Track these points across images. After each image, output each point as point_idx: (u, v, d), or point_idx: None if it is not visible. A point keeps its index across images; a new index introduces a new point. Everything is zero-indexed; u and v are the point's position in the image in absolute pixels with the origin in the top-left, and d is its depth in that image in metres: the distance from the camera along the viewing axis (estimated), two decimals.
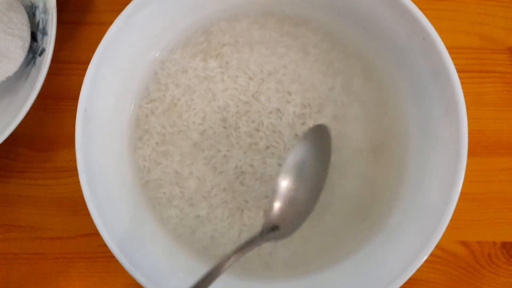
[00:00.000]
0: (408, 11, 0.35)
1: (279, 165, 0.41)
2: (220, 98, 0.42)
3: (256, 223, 0.41)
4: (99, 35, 0.35)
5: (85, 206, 0.34)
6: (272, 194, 0.36)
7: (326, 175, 0.39)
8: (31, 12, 0.44)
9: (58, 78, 0.46)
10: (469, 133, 0.35)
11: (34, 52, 0.43)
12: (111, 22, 0.35)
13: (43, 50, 0.41)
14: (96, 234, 0.34)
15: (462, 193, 0.35)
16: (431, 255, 0.35)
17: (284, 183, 0.36)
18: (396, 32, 0.38)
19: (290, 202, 0.36)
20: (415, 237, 0.37)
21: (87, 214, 0.34)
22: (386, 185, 0.42)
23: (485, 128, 0.48)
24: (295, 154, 0.36)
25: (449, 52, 0.36)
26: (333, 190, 0.43)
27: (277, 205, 0.35)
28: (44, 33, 0.42)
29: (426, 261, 0.35)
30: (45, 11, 0.41)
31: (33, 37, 0.43)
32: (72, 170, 0.44)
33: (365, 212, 0.42)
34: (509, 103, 0.48)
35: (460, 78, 0.36)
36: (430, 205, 0.37)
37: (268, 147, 0.42)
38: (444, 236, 0.35)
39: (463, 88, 0.35)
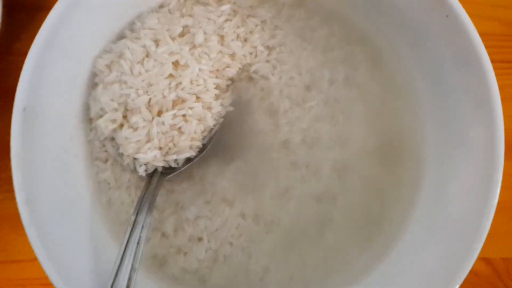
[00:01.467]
0: None
1: None
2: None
3: None
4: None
5: None
6: None
7: None
8: None
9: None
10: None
11: None
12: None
13: None
14: None
15: None
16: None
17: None
18: (411, 8, 0.31)
19: None
20: (437, 261, 0.31)
21: None
22: (398, 195, 0.36)
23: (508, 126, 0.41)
24: None
25: None
26: (334, 201, 0.36)
27: None
28: None
29: None
30: None
31: None
32: None
33: (374, 228, 0.36)
34: None
35: None
36: (456, 221, 0.31)
37: None
38: None
39: None
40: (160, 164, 0.33)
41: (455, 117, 0.32)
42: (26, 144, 0.28)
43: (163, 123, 0.32)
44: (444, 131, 0.33)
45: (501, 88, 0.43)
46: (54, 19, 0.28)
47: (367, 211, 0.36)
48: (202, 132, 0.34)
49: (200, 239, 0.35)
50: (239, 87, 0.36)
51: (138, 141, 0.32)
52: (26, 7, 0.40)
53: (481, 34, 0.43)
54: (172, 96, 0.32)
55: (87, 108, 0.34)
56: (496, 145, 0.28)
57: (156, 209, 0.34)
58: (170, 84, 0.32)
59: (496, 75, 0.43)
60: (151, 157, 0.32)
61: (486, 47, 0.43)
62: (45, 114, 0.29)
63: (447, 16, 0.29)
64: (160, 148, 0.33)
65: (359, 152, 0.37)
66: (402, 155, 0.36)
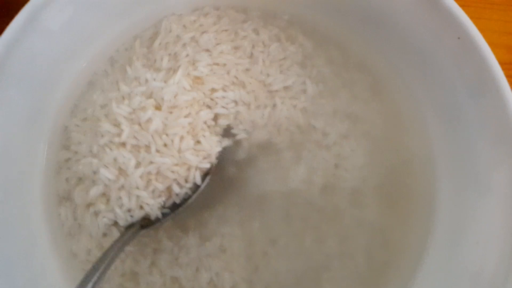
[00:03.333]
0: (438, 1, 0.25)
1: None
2: None
3: None
4: None
5: None
6: None
7: None
8: None
9: None
10: None
11: None
12: None
13: None
14: None
15: None
16: None
17: None
18: (417, 28, 0.27)
19: None
20: None
21: None
22: (406, 241, 0.31)
23: None
24: None
25: None
26: (329, 247, 0.32)
27: None
28: None
29: None
30: None
31: None
32: None
33: (378, 277, 0.32)
34: None
35: None
36: (473, 273, 0.26)
37: None
38: None
39: None
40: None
41: (470, 154, 0.27)
42: None
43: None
44: (458, 170, 0.29)
45: None
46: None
47: (370, 258, 0.32)
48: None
49: None
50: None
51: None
52: None
53: None
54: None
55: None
56: None
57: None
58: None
59: None
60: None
61: None
62: None
63: (458, 38, 0.25)
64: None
65: (359, 193, 0.32)
66: (410, 196, 0.32)
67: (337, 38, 0.33)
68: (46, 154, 0.31)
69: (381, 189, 0.32)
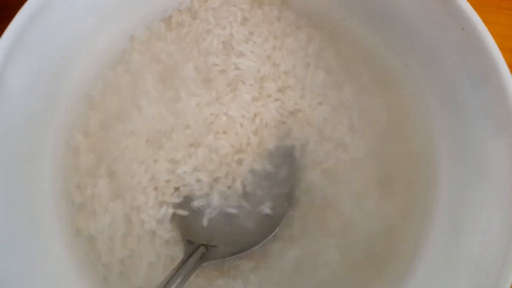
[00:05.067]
0: None
1: None
2: None
3: None
4: None
5: None
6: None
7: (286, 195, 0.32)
8: None
9: None
10: None
11: None
12: None
13: None
14: None
15: None
16: None
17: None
18: (422, 20, 0.28)
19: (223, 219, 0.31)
20: None
21: None
22: (406, 231, 0.31)
23: None
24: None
25: None
26: (330, 236, 0.32)
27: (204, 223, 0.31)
28: None
29: None
30: None
31: None
32: None
33: (377, 267, 0.31)
34: None
35: None
36: (473, 262, 0.26)
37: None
38: None
39: None
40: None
41: (472, 144, 0.28)
42: None
43: None
44: (460, 160, 0.29)
45: None
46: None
47: (369, 246, 0.32)
48: None
49: None
50: None
51: None
52: None
53: None
54: None
55: None
56: None
57: None
58: None
59: None
60: None
61: None
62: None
63: (463, 29, 0.26)
64: None
65: (362, 183, 0.33)
66: (411, 186, 0.32)
67: (345, 31, 0.33)
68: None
69: (383, 179, 0.33)
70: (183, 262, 0.28)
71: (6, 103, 0.26)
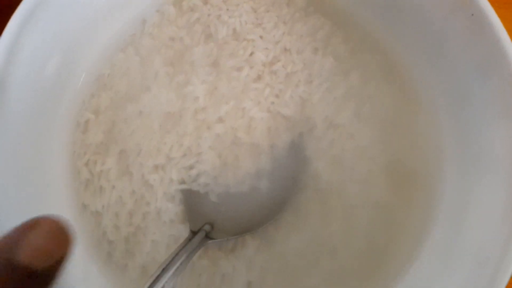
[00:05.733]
0: None
1: None
2: None
3: None
4: None
5: None
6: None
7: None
8: None
9: None
10: None
11: None
12: None
13: None
14: None
15: None
16: None
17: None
18: (430, 6, 0.28)
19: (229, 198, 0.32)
20: None
21: None
22: (409, 220, 0.31)
23: None
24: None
25: None
26: (334, 223, 0.32)
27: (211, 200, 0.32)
28: None
29: None
30: None
31: None
32: None
33: (378, 257, 0.31)
34: None
35: None
36: (475, 253, 0.26)
37: None
38: None
39: None
40: None
41: (479, 134, 0.28)
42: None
43: None
44: (465, 151, 0.29)
45: None
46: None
47: (372, 237, 0.32)
48: None
49: None
50: None
51: None
52: None
53: None
54: None
55: None
56: None
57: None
58: None
59: None
60: None
61: None
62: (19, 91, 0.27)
63: (472, 15, 0.26)
64: None
65: (367, 171, 0.33)
66: (415, 176, 0.32)
67: (353, 18, 0.33)
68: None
69: (387, 169, 0.32)
70: (189, 239, 0.29)
71: (17, 80, 0.27)
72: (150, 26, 0.35)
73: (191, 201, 0.32)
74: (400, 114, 0.33)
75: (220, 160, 0.32)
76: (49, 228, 0.17)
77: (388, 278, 0.30)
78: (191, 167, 0.32)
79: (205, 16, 0.35)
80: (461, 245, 0.27)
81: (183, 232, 0.31)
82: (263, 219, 0.31)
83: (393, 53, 0.33)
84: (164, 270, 0.26)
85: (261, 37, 0.34)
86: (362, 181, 0.32)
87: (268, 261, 0.31)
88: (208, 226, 0.30)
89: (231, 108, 0.33)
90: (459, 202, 0.28)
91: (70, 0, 0.29)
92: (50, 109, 0.31)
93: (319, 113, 0.33)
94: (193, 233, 0.30)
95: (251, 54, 0.34)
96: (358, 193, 0.32)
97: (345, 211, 0.32)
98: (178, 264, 0.27)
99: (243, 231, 0.31)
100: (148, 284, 0.25)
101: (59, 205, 0.30)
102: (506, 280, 0.23)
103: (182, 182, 0.32)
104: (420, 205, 0.31)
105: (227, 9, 0.35)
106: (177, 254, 0.27)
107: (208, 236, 0.30)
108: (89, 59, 0.33)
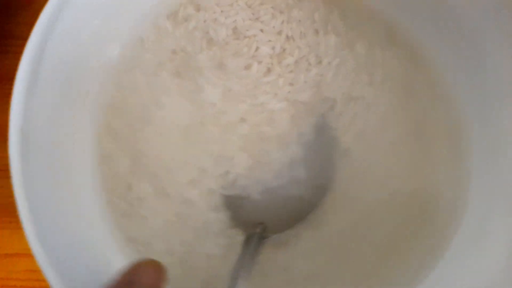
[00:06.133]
0: None
1: None
2: None
3: None
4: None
5: None
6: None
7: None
8: None
9: None
10: None
11: None
12: None
13: None
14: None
15: None
16: None
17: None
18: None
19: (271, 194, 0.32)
20: None
21: None
22: (444, 190, 0.32)
23: None
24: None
25: None
26: (371, 196, 0.32)
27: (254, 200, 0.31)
28: None
29: None
30: None
31: None
32: None
33: (417, 229, 0.32)
34: None
35: None
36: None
37: None
38: None
39: None
40: None
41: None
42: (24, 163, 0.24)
43: None
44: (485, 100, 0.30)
45: None
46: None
47: (408, 211, 0.32)
48: None
49: None
50: None
51: None
52: None
53: None
54: None
55: None
56: None
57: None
58: None
59: None
60: None
61: None
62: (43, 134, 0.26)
63: None
64: None
65: (393, 139, 0.33)
66: (443, 138, 0.33)
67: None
68: None
69: (413, 134, 0.33)
70: (247, 244, 0.28)
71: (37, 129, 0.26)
72: (149, 43, 0.34)
73: (236, 206, 0.31)
74: (411, 76, 0.34)
75: (252, 159, 0.32)
76: (153, 268, 0.21)
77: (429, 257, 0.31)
78: (226, 173, 0.32)
79: (201, 22, 0.34)
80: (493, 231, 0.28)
81: (236, 238, 0.31)
82: (309, 206, 0.31)
83: (391, 19, 0.34)
84: (234, 279, 0.26)
85: (261, 30, 0.34)
86: (390, 151, 0.33)
87: (323, 248, 0.31)
88: (260, 225, 0.30)
89: (249, 106, 0.33)
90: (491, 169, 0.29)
91: (68, 29, 0.28)
92: (68, 148, 0.29)
93: (336, 91, 0.34)
94: (248, 237, 0.29)
95: (257, 49, 0.34)
96: (388, 165, 0.33)
97: (380, 186, 0.32)
98: (246, 270, 0.26)
99: (294, 222, 0.31)
100: None
101: (104, 241, 0.29)
102: None
103: (221, 189, 0.31)
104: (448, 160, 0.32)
105: (222, 11, 0.34)
106: (242, 260, 0.27)
107: (262, 236, 0.30)
108: (96, 86, 0.32)
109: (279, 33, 0.34)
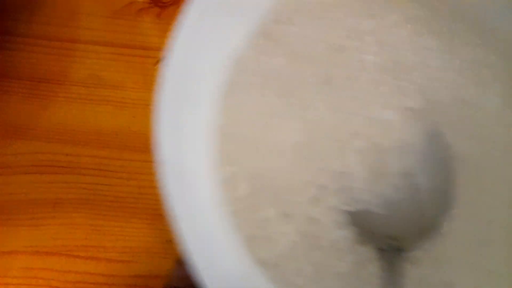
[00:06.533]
0: None
1: None
2: None
3: None
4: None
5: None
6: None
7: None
8: None
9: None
10: None
11: None
12: None
13: None
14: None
15: None
16: None
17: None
18: None
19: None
20: None
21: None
22: None
23: None
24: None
25: None
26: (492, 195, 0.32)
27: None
28: None
29: None
30: None
31: None
32: (16, 167, 0.35)
33: None
34: None
35: None
36: None
37: None
38: None
39: None
40: None
41: None
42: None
43: None
44: None
45: None
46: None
47: None
48: None
49: None
50: None
51: None
52: None
53: None
54: None
55: None
56: None
57: None
58: None
59: None
60: None
61: None
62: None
63: None
64: None
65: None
66: None
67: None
68: None
69: None
70: (384, 261, 0.27)
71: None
72: (245, 64, 0.34)
73: (360, 221, 0.31)
74: None
75: (369, 172, 0.32)
76: None
77: None
78: (345, 189, 0.31)
79: (295, 38, 0.34)
80: None
81: (366, 255, 0.30)
82: (438, 214, 0.31)
83: (492, 19, 0.33)
84: None
85: (360, 41, 0.34)
86: (506, 153, 0.32)
87: (456, 256, 0.31)
88: (392, 240, 0.29)
89: (360, 118, 0.33)
90: None
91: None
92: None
93: (443, 94, 0.33)
94: (381, 252, 0.29)
95: (361, 60, 0.33)
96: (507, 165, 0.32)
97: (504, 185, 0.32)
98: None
99: (425, 233, 0.30)
100: None
101: (233, 264, 0.29)
102: None
103: (344, 205, 0.31)
104: None
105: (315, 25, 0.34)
106: (385, 279, 0.26)
107: (398, 250, 0.29)
108: (202, 115, 0.32)
109: (378, 42, 0.34)
